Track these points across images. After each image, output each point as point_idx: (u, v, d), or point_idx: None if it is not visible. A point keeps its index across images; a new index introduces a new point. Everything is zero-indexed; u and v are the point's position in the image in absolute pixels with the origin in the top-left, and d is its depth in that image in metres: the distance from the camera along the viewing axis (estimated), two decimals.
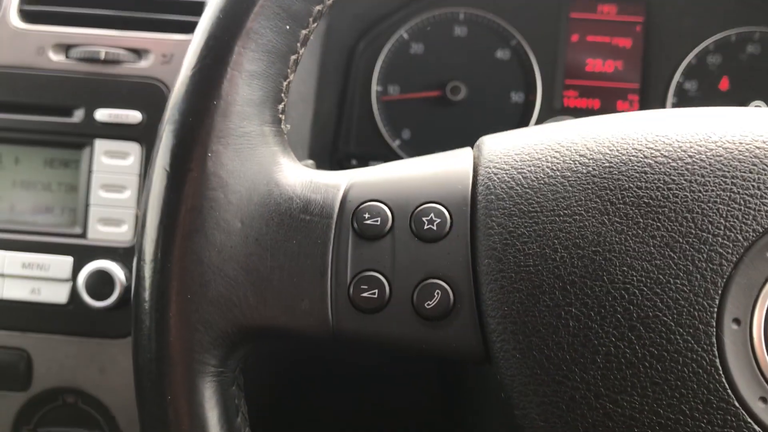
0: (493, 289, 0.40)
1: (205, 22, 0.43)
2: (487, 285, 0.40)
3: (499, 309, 0.40)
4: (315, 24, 0.45)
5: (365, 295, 0.41)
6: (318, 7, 0.45)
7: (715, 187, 0.39)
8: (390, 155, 0.93)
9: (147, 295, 0.41)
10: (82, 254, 0.72)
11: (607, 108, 0.93)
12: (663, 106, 0.92)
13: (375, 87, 0.94)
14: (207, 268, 0.41)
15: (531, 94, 0.93)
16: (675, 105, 0.92)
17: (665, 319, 0.38)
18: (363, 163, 0.93)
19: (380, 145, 0.94)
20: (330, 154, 0.91)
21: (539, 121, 0.93)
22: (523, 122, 0.93)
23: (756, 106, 0.90)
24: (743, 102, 0.91)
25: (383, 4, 0.92)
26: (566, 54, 0.94)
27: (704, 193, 0.39)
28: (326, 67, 0.82)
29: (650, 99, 0.93)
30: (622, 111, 0.93)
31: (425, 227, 0.42)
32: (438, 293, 0.41)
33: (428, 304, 0.41)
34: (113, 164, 0.73)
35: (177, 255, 0.41)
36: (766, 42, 0.91)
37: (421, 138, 0.94)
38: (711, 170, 0.39)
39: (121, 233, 0.73)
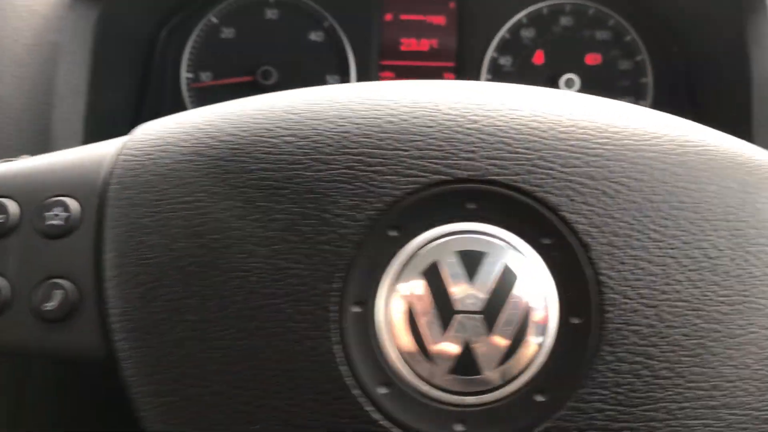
0: (114, 285, 0.38)
1: None
2: (110, 281, 0.38)
3: (119, 306, 0.37)
4: None
5: None
6: None
7: (339, 164, 0.37)
8: None
9: None
10: None
11: None
12: None
13: (184, 74, 0.90)
14: None
15: (346, 77, 0.91)
16: (490, 81, 0.91)
17: (283, 306, 0.36)
18: None
19: None
20: None
21: None
22: None
23: (569, 79, 0.89)
24: (557, 75, 0.89)
25: None
26: (380, 34, 0.92)
27: (328, 171, 0.37)
28: (109, 59, 0.79)
29: (466, 76, 0.91)
30: None
31: (48, 222, 0.39)
32: (59, 293, 0.38)
33: (47, 306, 0.38)
34: None
35: None
36: (578, 14, 0.90)
37: None
38: (336, 147, 0.37)
39: None
